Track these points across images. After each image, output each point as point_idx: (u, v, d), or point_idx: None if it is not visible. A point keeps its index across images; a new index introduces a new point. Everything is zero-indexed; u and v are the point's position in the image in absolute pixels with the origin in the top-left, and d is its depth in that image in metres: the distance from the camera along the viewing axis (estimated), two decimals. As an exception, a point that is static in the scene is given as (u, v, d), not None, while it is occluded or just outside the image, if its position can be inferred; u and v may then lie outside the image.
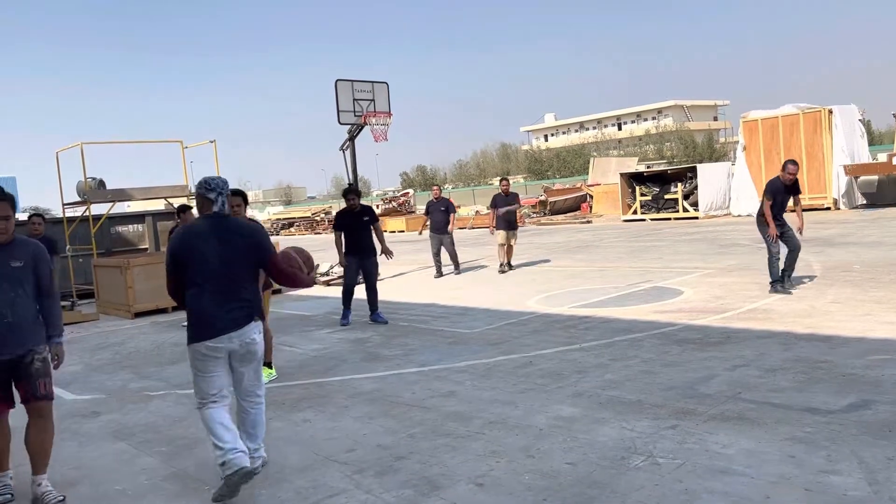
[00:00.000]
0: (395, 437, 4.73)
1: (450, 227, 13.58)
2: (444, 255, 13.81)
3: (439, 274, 13.67)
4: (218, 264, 3.90)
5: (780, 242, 8.84)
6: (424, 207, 14.37)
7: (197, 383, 3.98)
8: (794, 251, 8.91)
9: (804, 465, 3.74)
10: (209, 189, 4.08)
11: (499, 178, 16.40)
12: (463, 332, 8.17)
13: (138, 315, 11.72)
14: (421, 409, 5.32)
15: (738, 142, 25.39)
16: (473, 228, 29.22)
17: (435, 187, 14.53)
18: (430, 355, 7.10)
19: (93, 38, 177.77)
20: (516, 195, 13.97)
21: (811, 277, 9.63)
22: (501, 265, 13.40)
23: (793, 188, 8.94)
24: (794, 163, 9.00)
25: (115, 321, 11.60)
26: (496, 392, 5.56)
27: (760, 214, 8.99)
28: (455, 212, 14.11)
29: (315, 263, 4.21)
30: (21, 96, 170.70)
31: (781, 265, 8.87)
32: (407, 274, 14.92)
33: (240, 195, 6.22)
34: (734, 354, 6.08)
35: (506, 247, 13.37)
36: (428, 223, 13.92)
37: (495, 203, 13.49)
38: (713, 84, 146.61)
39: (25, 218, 10.35)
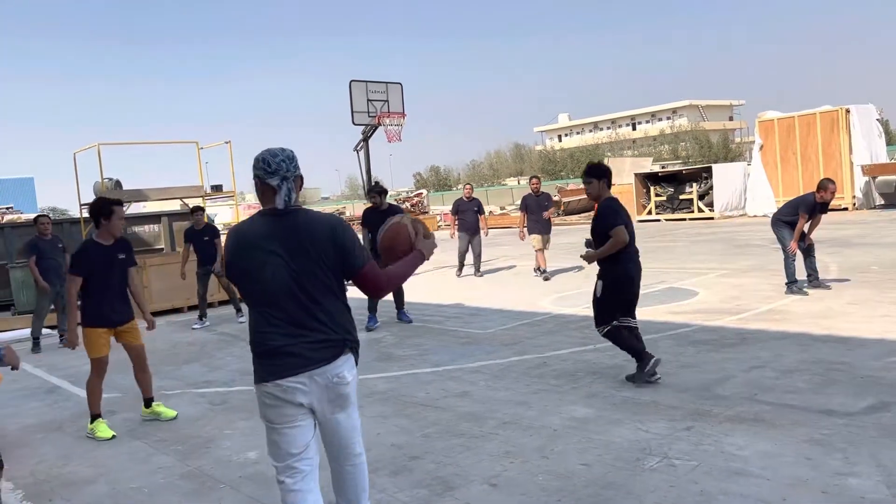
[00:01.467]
0: (409, 437, 4.74)
1: (483, 228, 13.25)
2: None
3: (460, 272, 13.54)
4: (286, 281, 2.77)
5: (802, 255, 8.87)
6: (453, 206, 13.60)
7: (270, 440, 2.90)
8: (809, 253, 8.91)
9: (821, 468, 3.71)
10: (269, 171, 2.80)
11: (529, 177, 15.59)
12: (476, 332, 8.16)
13: (154, 314, 11.78)
14: (435, 409, 5.32)
15: (753, 142, 25.21)
16: (487, 228, 29.19)
17: (468, 186, 13.92)
18: (444, 355, 7.09)
19: (109, 38, 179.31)
20: (548, 195, 12.97)
21: (828, 278, 9.54)
22: (540, 270, 12.28)
23: (823, 206, 8.73)
24: (833, 182, 8.77)
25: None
26: (510, 392, 5.55)
27: (781, 221, 8.95)
28: (484, 212, 13.51)
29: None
30: (39, 97, 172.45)
31: (802, 270, 8.88)
32: (420, 274, 14.92)
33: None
34: (750, 355, 6.04)
35: (543, 251, 12.38)
36: (457, 223, 13.29)
37: (526, 204, 12.51)
38: (729, 84, 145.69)
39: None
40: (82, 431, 5.49)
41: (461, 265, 13.56)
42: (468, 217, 13.12)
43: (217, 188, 16.08)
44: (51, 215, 12.38)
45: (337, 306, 2.86)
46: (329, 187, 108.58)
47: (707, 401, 4.95)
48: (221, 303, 12.06)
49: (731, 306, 8.30)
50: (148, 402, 5.78)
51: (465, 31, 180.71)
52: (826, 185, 8.57)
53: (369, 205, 9.32)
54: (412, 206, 39.41)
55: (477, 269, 13.47)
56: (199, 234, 10.25)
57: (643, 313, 8.25)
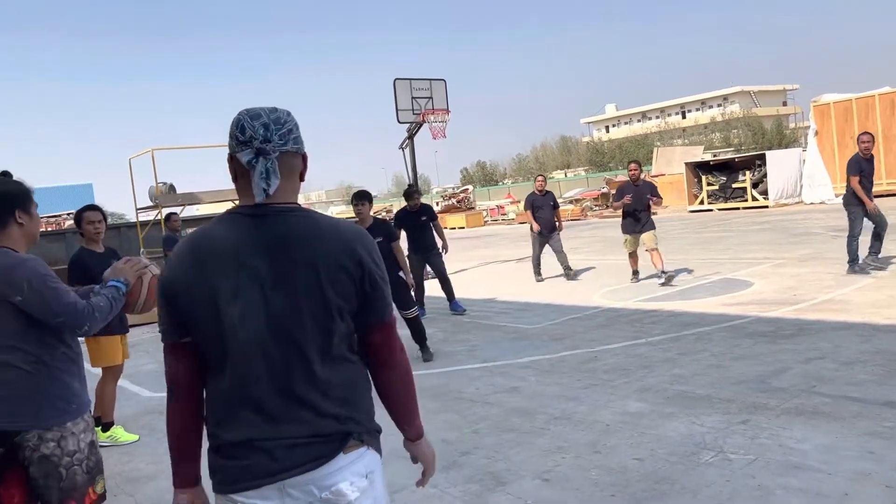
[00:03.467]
0: (459, 433, 4.76)
1: (559, 225, 11.68)
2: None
3: (539, 277, 11.82)
4: (260, 326, 1.70)
5: (866, 220, 8.75)
6: (526, 202, 12.00)
7: None
8: (879, 227, 8.79)
9: (884, 461, 3.59)
10: (241, 141, 1.74)
11: (627, 165, 12.49)
12: (525, 327, 8.13)
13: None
14: (485, 404, 5.33)
15: (809, 127, 24.48)
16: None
17: (539, 178, 12.11)
18: (493, 351, 7.09)
19: (156, 45, 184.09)
20: (651, 184, 10.97)
21: (891, 266, 9.21)
22: (661, 273, 10.02)
23: (870, 161, 8.78)
24: (867, 133, 8.88)
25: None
26: (560, 387, 5.52)
27: (851, 194, 8.85)
28: (559, 206, 11.94)
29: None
30: (95, 102, 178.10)
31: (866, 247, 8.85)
32: (467, 270, 14.94)
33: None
34: (808, 347, 5.88)
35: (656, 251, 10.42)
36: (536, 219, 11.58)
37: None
38: (782, 68, 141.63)
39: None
40: (144, 429, 5.66)
41: (537, 269, 11.89)
42: (545, 214, 11.52)
43: (267, 189, 16.36)
44: (108, 219, 12.85)
45: (342, 370, 1.76)
46: (376, 186, 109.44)
47: (763, 393, 4.84)
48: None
49: (787, 297, 8.10)
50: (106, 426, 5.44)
51: (508, 23, 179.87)
52: (859, 138, 8.80)
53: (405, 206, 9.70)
54: (458, 202, 39.48)
55: (566, 268, 11.61)
56: None
57: (696, 305, 8.13)
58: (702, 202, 25.10)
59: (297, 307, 1.68)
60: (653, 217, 10.27)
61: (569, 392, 5.37)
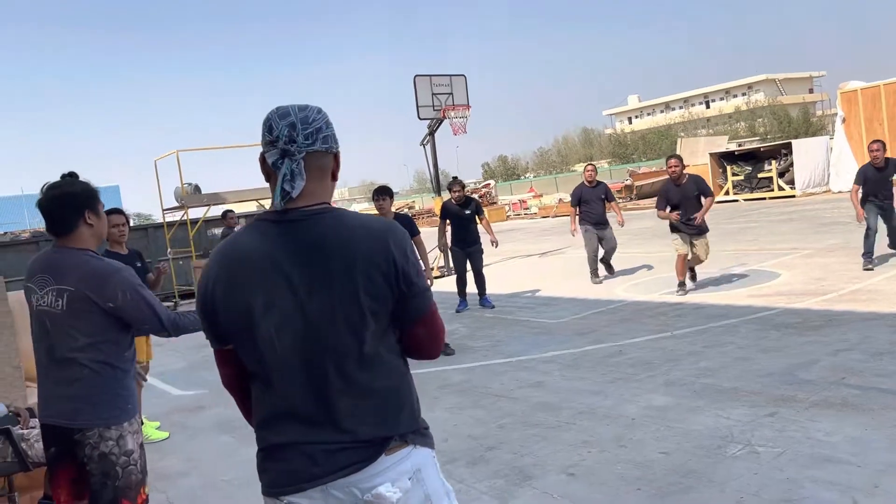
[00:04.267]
0: (485, 428, 4.78)
1: (618, 218, 10.64)
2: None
3: (597, 279, 10.50)
4: (298, 334, 1.68)
5: (880, 218, 8.58)
6: (573, 195, 10.83)
7: None
8: (894, 228, 8.64)
9: (916, 453, 3.55)
10: (269, 141, 1.72)
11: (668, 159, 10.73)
12: (549, 322, 8.13)
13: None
14: (510, 399, 5.34)
15: (836, 114, 24.09)
16: (556, 217, 28.99)
17: (589, 167, 11.05)
18: (517, 346, 7.10)
19: (181, 43, 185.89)
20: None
21: (921, 254, 9.07)
22: (690, 279, 8.96)
23: (886, 169, 8.55)
24: (877, 141, 8.66)
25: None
26: (585, 382, 5.52)
27: (864, 195, 8.80)
28: (615, 199, 10.76)
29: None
30: (121, 102, 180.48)
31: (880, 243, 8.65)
32: (490, 265, 14.94)
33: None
34: (837, 338, 5.81)
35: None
36: (579, 216, 10.63)
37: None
38: (808, 55, 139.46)
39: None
40: (175, 427, 5.76)
41: (595, 270, 10.56)
42: (594, 207, 10.38)
43: (290, 188, 16.51)
44: (133, 221, 13.06)
45: (381, 373, 1.72)
46: (398, 182, 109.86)
47: (791, 386, 4.80)
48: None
49: (815, 287, 8.00)
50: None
51: (528, 15, 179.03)
52: (868, 147, 8.59)
53: (448, 197, 9.66)
54: (480, 197, 39.47)
55: (608, 268, 10.71)
56: None
57: (722, 297, 8.07)
58: (727, 193, 24.81)
59: (332, 313, 1.65)
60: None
61: (594, 386, 5.36)
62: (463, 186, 9.47)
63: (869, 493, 3.22)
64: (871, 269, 8.45)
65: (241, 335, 1.71)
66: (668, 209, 8.50)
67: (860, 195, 8.67)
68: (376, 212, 7.22)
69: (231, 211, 11.46)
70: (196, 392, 6.99)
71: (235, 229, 10.62)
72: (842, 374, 4.90)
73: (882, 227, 8.66)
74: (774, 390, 4.75)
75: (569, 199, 12.61)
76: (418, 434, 1.76)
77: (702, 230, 8.47)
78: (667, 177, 8.86)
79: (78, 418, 2.69)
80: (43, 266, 2.76)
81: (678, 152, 35.73)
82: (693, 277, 8.94)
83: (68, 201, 2.73)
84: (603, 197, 10.45)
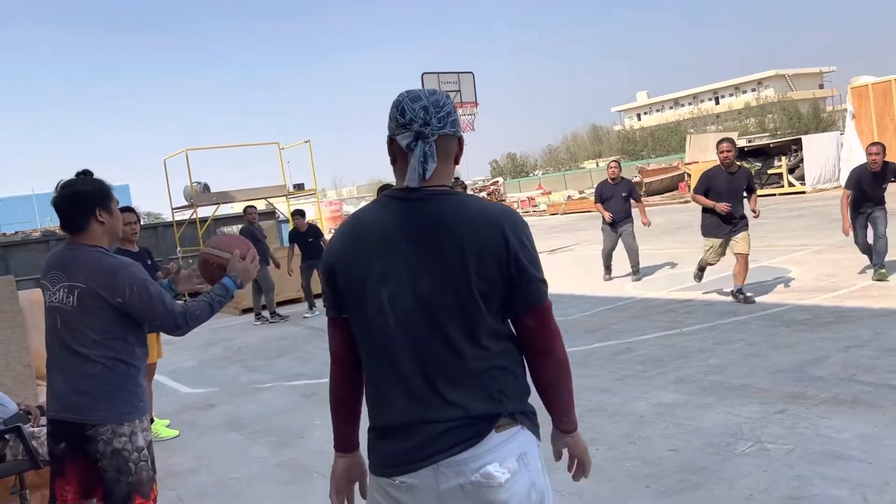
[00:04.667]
0: (493, 425, 4.77)
1: (643, 218, 10.35)
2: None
3: (609, 276, 10.49)
4: (408, 311, 1.72)
5: (869, 226, 7.84)
6: (596, 192, 10.69)
7: None
8: (879, 238, 7.74)
9: (928, 450, 3.53)
10: (401, 124, 1.77)
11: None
12: (558, 318, 8.06)
13: (245, 311, 12.27)
14: (519, 396, 5.33)
15: (846, 110, 23.93)
16: (565, 214, 28.97)
17: (612, 164, 10.71)
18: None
19: (190, 45, 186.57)
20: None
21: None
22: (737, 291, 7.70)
23: (882, 174, 7.77)
24: (877, 144, 7.94)
25: (224, 318, 12.19)
26: (594, 379, 5.50)
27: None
28: (639, 198, 10.56)
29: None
30: (129, 102, 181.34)
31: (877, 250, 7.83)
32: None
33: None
34: (848, 334, 5.78)
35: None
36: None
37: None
38: (817, 50, 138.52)
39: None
40: (185, 425, 5.78)
41: (608, 267, 10.52)
42: (615, 205, 10.18)
43: (299, 187, 16.56)
44: (143, 220, 13.17)
45: (491, 353, 1.73)
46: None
47: (801, 382, 4.78)
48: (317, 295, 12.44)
49: (826, 284, 7.95)
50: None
51: (535, 11, 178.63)
52: (867, 149, 7.85)
53: None
54: (488, 194, 39.42)
55: (634, 271, 10.23)
56: (304, 235, 11.00)
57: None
58: (737, 189, 24.69)
59: (442, 292, 1.69)
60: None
61: (602, 384, 5.35)
62: (465, 187, 9.59)
63: (879, 491, 3.20)
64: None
65: (356, 304, 1.77)
66: (712, 191, 7.40)
67: (850, 200, 7.88)
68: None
69: (252, 206, 11.56)
70: (206, 390, 7.02)
71: (255, 225, 10.91)
72: (853, 371, 4.87)
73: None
74: (784, 387, 4.73)
75: (577, 196, 12.69)
76: (526, 416, 1.76)
77: (740, 227, 7.47)
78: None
79: (91, 414, 2.71)
80: (56, 263, 2.80)
81: (687, 149, 35.60)
82: (699, 275, 8.08)
83: (80, 199, 2.77)
84: (625, 195, 10.19)
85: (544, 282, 1.78)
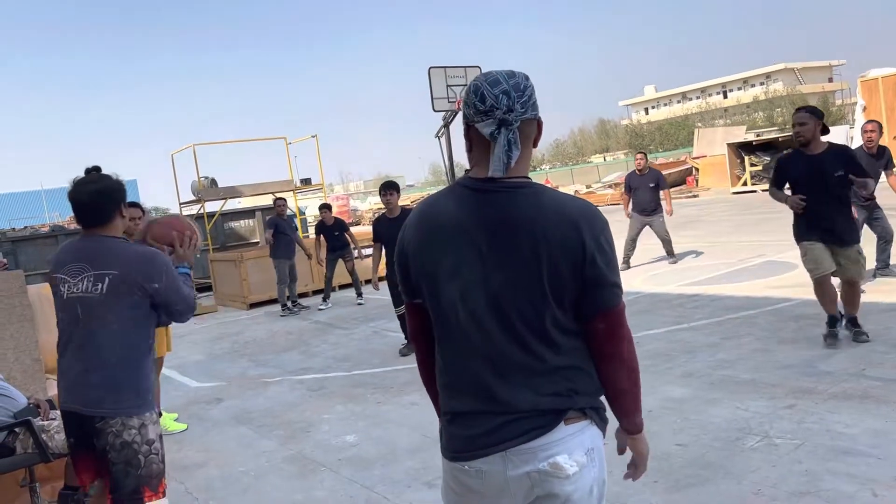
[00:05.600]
0: (501, 420, 4.77)
1: (667, 207, 10.80)
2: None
3: (626, 265, 10.71)
4: (479, 303, 1.70)
5: (866, 226, 7.13)
6: (625, 183, 11.13)
7: None
8: (881, 239, 7.36)
9: (938, 446, 3.51)
10: (481, 110, 1.70)
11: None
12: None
13: (253, 306, 12.30)
14: (526, 391, 5.33)
15: (856, 103, 23.77)
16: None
17: (639, 155, 11.10)
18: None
19: (199, 39, 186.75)
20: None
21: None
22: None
23: (879, 157, 7.26)
24: (873, 121, 7.48)
25: (233, 312, 12.22)
26: (602, 373, 5.48)
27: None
28: (668, 187, 10.90)
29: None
30: (139, 98, 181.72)
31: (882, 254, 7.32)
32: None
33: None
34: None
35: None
36: (631, 204, 10.82)
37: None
38: (827, 43, 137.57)
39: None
40: (192, 419, 5.80)
41: (627, 257, 10.80)
42: (642, 195, 10.55)
43: (306, 181, 16.57)
44: (151, 214, 13.19)
45: (562, 349, 1.70)
46: (413, 175, 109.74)
47: (810, 377, 4.75)
48: (342, 286, 12.49)
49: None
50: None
51: (542, 5, 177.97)
52: (863, 127, 7.40)
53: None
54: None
55: (670, 254, 10.82)
56: (330, 228, 11.13)
57: (740, 288, 8.00)
58: (745, 183, 24.58)
59: (514, 289, 1.66)
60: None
61: (610, 378, 5.33)
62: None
63: (889, 486, 3.18)
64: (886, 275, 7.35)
65: (429, 294, 1.77)
66: (789, 194, 5.56)
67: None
68: (383, 207, 7.17)
69: (282, 199, 11.56)
70: (214, 384, 7.04)
71: (284, 217, 11.08)
72: (862, 366, 4.84)
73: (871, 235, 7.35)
74: (793, 382, 4.71)
75: (584, 190, 12.90)
76: (595, 412, 1.74)
77: (847, 233, 5.42)
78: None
79: (101, 406, 2.75)
80: (77, 255, 2.86)
81: (695, 143, 35.33)
82: (834, 325, 5.49)
83: (108, 194, 2.91)
84: (653, 185, 10.48)
85: (618, 285, 1.72)
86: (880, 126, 7.49)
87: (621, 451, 1.94)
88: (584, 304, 1.69)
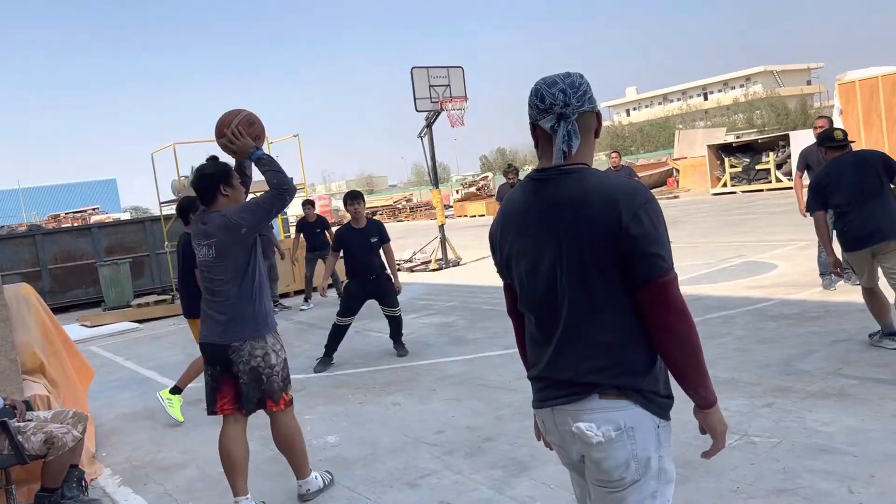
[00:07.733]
0: (483, 419, 4.78)
1: None
2: None
3: None
4: (540, 281, 1.90)
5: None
6: None
7: None
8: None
9: (913, 443, 3.56)
10: (542, 109, 1.89)
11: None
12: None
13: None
14: (507, 391, 5.35)
15: (833, 106, 24.06)
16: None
17: (614, 154, 11.53)
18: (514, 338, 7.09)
19: (181, 39, 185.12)
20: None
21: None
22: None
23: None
24: (823, 117, 7.39)
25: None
26: (583, 373, 5.51)
27: None
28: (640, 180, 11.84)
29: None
30: (120, 99, 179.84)
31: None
32: (487, 258, 14.93)
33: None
34: (834, 328, 5.82)
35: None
36: None
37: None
38: (805, 46, 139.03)
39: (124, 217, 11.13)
40: (173, 420, 5.75)
41: None
42: None
43: (288, 181, 16.47)
44: (130, 214, 13.04)
45: (607, 325, 1.81)
46: (396, 175, 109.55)
47: (788, 376, 4.81)
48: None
49: (812, 278, 8.00)
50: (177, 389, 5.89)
51: (525, 6, 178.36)
52: (815, 124, 7.32)
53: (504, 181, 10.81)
54: (478, 189, 39.39)
55: None
56: (311, 226, 10.99)
57: (720, 288, 8.07)
58: (725, 184, 24.82)
59: (561, 267, 1.82)
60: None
61: (591, 377, 5.36)
62: (517, 172, 10.25)
63: (865, 483, 3.23)
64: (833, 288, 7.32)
65: (508, 275, 2.06)
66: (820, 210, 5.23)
67: (803, 183, 7.13)
68: (349, 217, 6.99)
69: (309, 202, 11.35)
70: (193, 385, 6.98)
71: (313, 220, 11.05)
72: (839, 365, 4.90)
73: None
74: (772, 381, 4.76)
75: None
76: (640, 394, 1.82)
77: (890, 230, 4.96)
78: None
79: (226, 336, 3.54)
80: (197, 233, 3.62)
81: (676, 145, 35.63)
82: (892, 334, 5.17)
83: (207, 179, 3.61)
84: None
85: (660, 255, 1.76)
86: (831, 121, 7.39)
87: (702, 430, 1.96)
88: (629, 276, 1.78)
